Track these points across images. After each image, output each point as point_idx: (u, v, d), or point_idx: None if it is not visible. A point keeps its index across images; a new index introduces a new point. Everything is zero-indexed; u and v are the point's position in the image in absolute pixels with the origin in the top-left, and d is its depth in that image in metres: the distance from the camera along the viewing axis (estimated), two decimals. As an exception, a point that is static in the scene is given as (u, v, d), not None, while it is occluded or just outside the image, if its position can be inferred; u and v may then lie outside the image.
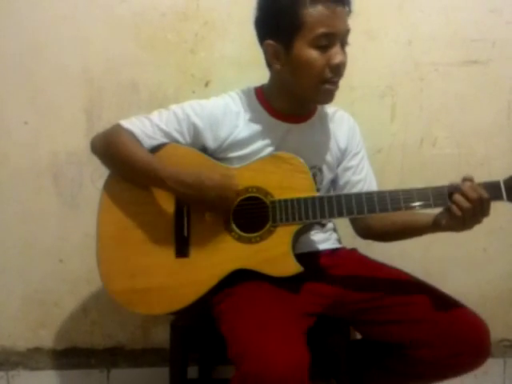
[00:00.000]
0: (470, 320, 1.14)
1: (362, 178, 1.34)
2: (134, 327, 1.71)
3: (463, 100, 1.69)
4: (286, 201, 1.16)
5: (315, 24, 1.11)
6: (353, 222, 1.35)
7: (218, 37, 1.63)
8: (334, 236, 1.37)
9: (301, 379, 0.95)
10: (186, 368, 1.34)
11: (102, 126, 1.32)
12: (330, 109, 1.35)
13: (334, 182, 1.35)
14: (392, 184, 1.61)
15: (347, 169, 1.34)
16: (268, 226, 1.17)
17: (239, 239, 1.18)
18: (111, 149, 1.23)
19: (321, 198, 1.15)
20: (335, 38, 1.13)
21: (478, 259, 1.73)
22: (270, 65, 1.23)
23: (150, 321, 1.70)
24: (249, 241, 1.17)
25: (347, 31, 1.16)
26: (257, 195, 1.19)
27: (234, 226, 1.19)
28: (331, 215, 1.13)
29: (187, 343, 1.30)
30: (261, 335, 0.99)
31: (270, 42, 1.18)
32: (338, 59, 1.13)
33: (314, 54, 1.13)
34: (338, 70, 1.15)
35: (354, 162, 1.34)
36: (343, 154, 1.34)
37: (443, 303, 1.16)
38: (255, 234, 1.17)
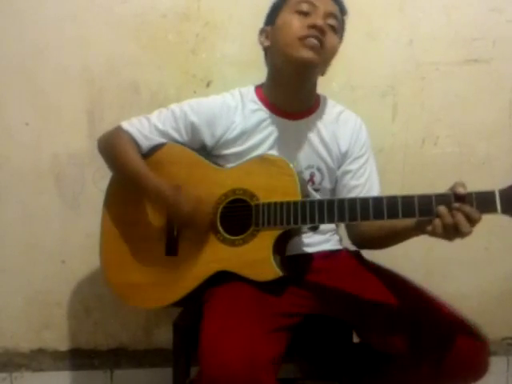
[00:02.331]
0: (466, 343, 1.04)
1: (361, 183, 1.29)
2: (137, 328, 1.71)
3: (464, 99, 1.69)
4: (269, 204, 1.14)
5: None
6: (346, 227, 1.31)
7: (219, 37, 1.64)
8: (336, 237, 1.34)
9: (255, 377, 0.94)
10: (188, 368, 1.34)
11: (103, 126, 1.32)
12: (335, 108, 1.33)
13: (335, 183, 1.32)
14: (394, 183, 1.62)
15: (346, 172, 1.30)
16: (251, 229, 1.16)
17: (223, 241, 1.18)
18: (109, 151, 1.30)
19: (303, 203, 1.11)
20: (316, 8, 1.18)
21: (479, 258, 1.73)
22: (265, 53, 1.27)
23: (152, 321, 1.70)
24: (232, 243, 1.17)
25: (330, 12, 1.19)
26: (243, 197, 1.18)
27: (219, 228, 1.19)
28: (312, 221, 1.09)
29: (190, 343, 1.29)
30: (220, 335, 1.00)
31: (263, 28, 1.27)
32: (316, 20, 1.16)
33: (294, 17, 1.19)
34: (315, 27, 1.16)
35: (353, 167, 1.30)
36: (344, 157, 1.30)
37: (431, 325, 1.07)
38: (239, 237, 1.17)
